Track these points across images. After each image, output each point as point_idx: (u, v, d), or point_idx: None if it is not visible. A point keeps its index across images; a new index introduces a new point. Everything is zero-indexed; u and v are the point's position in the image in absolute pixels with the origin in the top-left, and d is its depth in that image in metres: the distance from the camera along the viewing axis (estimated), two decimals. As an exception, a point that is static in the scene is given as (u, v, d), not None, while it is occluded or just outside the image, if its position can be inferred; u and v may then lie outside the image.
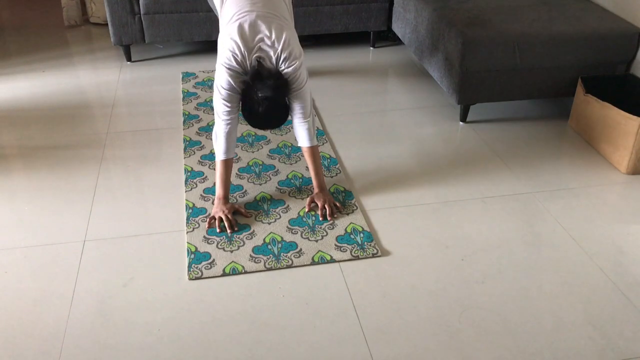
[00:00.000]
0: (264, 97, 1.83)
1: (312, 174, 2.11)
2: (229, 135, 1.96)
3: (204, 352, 1.53)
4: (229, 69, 1.87)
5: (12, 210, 2.09)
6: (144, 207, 2.10)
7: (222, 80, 1.89)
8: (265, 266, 1.82)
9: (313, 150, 2.07)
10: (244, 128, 2.59)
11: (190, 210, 2.07)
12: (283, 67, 1.89)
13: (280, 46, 1.87)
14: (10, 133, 2.60)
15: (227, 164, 2.02)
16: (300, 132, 2.04)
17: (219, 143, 1.98)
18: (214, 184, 2.18)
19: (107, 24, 3.66)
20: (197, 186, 2.21)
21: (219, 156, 2.00)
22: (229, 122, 1.94)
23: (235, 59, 1.86)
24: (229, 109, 1.93)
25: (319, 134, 2.54)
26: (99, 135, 2.58)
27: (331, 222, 2.02)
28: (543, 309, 1.67)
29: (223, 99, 1.91)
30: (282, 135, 2.57)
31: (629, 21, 2.61)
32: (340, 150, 2.46)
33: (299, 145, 2.08)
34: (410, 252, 1.90)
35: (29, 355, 1.52)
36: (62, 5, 3.82)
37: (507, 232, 1.99)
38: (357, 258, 1.86)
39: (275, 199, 2.14)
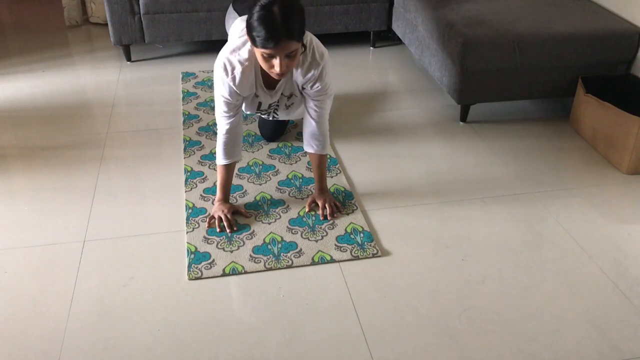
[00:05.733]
0: None
1: (316, 178, 2.10)
2: (228, 139, 1.94)
3: (204, 352, 1.53)
4: (224, 71, 1.83)
5: (12, 210, 2.09)
6: (144, 207, 2.10)
7: (218, 85, 1.87)
8: (265, 266, 1.82)
9: (323, 158, 2.05)
10: (244, 128, 2.58)
11: (190, 210, 2.07)
12: (312, 59, 1.81)
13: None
14: (10, 133, 2.60)
15: (226, 168, 1.99)
16: (315, 139, 2.00)
17: (217, 146, 1.97)
18: (214, 184, 2.18)
19: (107, 24, 3.66)
20: (197, 186, 2.21)
21: (217, 160, 1.99)
22: (227, 124, 1.92)
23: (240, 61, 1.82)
24: (227, 114, 1.91)
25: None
26: (99, 135, 2.58)
27: (331, 222, 2.02)
28: (543, 309, 1.67)
29: (222, 102, 1.89)
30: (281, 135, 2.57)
31: (629, 21, 2.61)
32: (340, 150, 2.46)
33: (311, 152, 2.03)
34: (410, 252, 1.90)
35: (29, 355, 1.52)
36: (63, 5, 3.82)
37: (507, 232, 1.99)
38: (357, 258, 1.86)
39: (275, 199, 2.14)
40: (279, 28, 1.59)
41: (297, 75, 1.89)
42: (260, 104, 2.08)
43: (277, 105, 2.12)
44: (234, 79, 1.83)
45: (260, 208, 2.09)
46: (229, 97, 1.87)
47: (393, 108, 2.85)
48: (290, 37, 1.61)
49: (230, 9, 2.32)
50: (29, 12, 4.21)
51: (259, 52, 1.67)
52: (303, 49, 1.77)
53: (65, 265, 1.83)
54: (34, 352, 1.53)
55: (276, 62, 1.66)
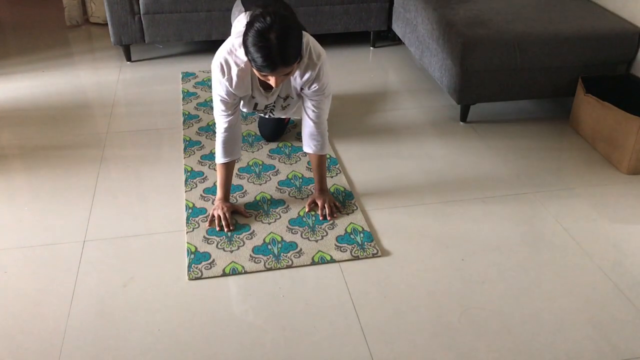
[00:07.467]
0: (274, 15, 1.57)
1: (316, 178, 2.10)
2: (226, 138, 1.94)
3: (204, 352, 1.53)
4: (222, 72, 1.83)
5: (12, 210, 2.09)
6: (144, 207, 2.10)
7: (215, 85, 1.87)
8: (265, 266, 1.82)
9: (323, 158, 2.05)
10: (244, 128, 2.59)
11: (190, 210, 2.07)
12: (309, 60, 1.82)
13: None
14: (10, 133, 2.60)
15: (226, 167, 2.00)
16: (314, 139, 2.00)
17: (216, 145, 1.97)
18: (214, 184, 2.18)
19: (107, 24, 3.65)
20: (197, 186, 2.21)
21: (216, 159, 1.99)
22: (226, 122, 1.92)
23: (236, 62, 1.82)
24: (225, 113, 1.91)
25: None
26: (99, 135, 2.58)
27: (331, 222, 2.02)
28: (543, 309, 1.67)
29: (219, 101, 1.89)
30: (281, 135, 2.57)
31: (629, 21, 2.61)
32: (340, 150, 2.46)
33: (310, 152, 2.03)
34: (410, 252, 1.90)
35: (29, 354, 1.52)
36: (63, 5, 3.82)
37: (507, 232, 1.99)
38: (357, 258, 1.86)
39: (275, 199, 2.14)
40: (275, 57, 1.58)
41: (295, 77, 1.89)
42: (256, 104, 2.08)
43: (274, 106, 2.13)
44: (230, 79, 1.83)
45: (260, 208, 2.09)
46: (226, 97, 1.88)
47: (393, 108, 2.86)
48: (286, 63, 1.62)
49: (238, 1, 2.31)
50: (29, 12, 4.22)
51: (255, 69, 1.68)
52: (299, 58, 1.77)
53: (65, 265, 1.83)
54: (34, 351, 1.53)
55: (272, 79, 1.67)
